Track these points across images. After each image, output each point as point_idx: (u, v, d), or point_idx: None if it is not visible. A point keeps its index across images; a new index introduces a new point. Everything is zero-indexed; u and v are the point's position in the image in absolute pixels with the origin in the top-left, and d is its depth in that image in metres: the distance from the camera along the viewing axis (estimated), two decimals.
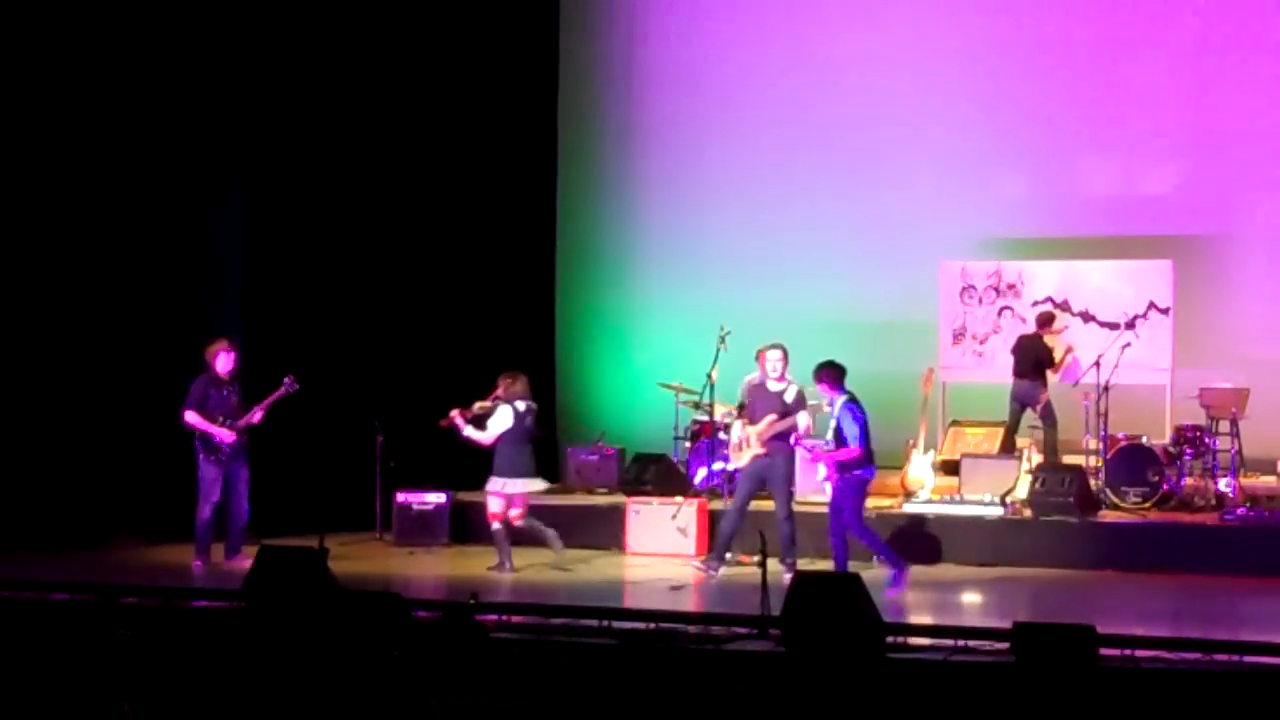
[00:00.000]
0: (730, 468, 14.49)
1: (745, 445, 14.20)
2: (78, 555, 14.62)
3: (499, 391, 14.52)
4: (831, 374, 13.42)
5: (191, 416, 14.31)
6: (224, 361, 14.37)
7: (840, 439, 13.24)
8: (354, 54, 17.21)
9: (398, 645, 10.55)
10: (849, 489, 13.29)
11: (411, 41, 17.81)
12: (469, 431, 14.40)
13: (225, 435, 14.23)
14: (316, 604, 11.24)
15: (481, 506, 16.38)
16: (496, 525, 14.47)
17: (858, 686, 10.05)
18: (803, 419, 14.11)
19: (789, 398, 14.14)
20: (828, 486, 13.45)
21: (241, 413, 14.34)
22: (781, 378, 14.24)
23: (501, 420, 14.40)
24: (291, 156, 16.74)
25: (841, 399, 13.33)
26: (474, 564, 14.94)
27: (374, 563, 14.82)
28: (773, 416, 14.05)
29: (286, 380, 14.36)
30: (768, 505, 14.30)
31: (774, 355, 14.31)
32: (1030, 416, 16.68)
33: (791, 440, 13.99)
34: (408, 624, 10.88)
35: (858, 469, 13.25)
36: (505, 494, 14.44)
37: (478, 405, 14.49)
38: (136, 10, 15.95)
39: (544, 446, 18.81)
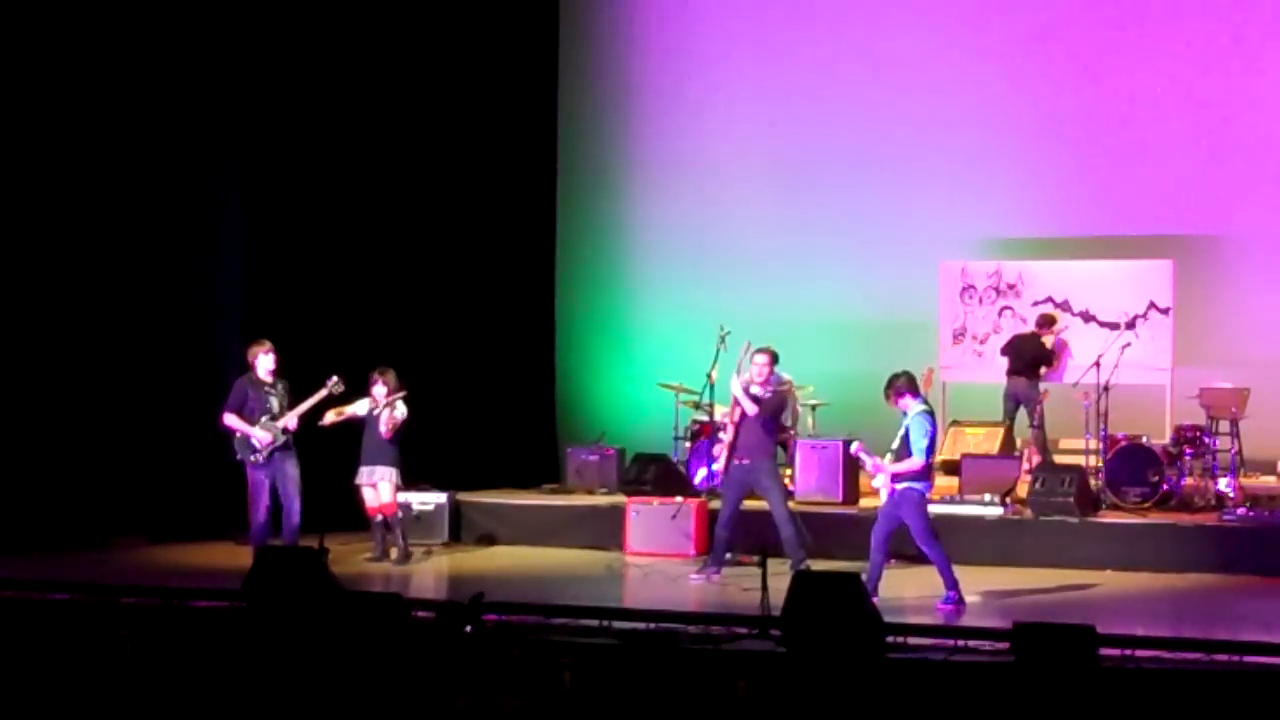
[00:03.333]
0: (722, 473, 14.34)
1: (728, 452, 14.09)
2: (78, 555, 14.61)
3: (390, 383, 14.77)
4: (909, 383, 12.89)
5: (230, 419, 14.09)
6: (264, 363, 14.17)
7: (905, 448, 12.75)
8: (353, 52, 17.21)
9: (398, 645, 10.56)
10: (911, 508, 12.77)
11: (411, 41, 17.81)
12: (398, 413, 14.69)
13: (261, 437, 14.07)
14: (316, 604, 11.24)
15: (481, 506, 16.39)
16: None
17: (858, 686, 10.05)
18: None
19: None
20: (883, 493, 13.11)
21: (283, 414, 14.13)
22: (765, 383, 14.00)
23: (401, 412, 14.75)
24: (291, 155, 16.73)
25: (919, 407, 12.81)
26: (474, 564, 14.93)
27: (373, 563, 14.80)
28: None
29: (330, 380, 14.28)
30: (765, 505, 14.22)
31: (759, 360, 14.04)
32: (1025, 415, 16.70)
33: (854, 449, 13.36)
34: (408, 624, 10.88)
35: (914, 481, 12.75)
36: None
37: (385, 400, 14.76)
38: (137, 4, 15.93)
39: (544, 446, 18.86)
